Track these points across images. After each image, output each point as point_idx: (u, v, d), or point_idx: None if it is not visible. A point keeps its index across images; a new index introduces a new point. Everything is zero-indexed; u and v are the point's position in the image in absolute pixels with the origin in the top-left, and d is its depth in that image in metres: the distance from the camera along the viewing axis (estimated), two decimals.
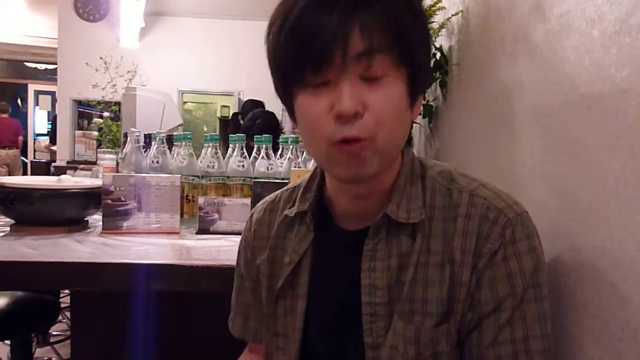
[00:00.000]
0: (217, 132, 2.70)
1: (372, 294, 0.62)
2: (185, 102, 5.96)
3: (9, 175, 7.01)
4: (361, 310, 0.63)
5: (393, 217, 0.62)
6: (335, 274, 0.68)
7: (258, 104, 3.06)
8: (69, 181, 1.33)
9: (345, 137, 0.56)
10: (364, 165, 0.58)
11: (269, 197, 0.79)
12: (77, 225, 1.29)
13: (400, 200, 0.63)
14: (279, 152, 1.53)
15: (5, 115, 7.54)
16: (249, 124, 2.70)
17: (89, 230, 1.30)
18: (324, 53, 0.54)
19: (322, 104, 0.57)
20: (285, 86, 0.61)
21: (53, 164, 5.08)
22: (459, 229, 0.61)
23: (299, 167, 1.48)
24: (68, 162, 4.75)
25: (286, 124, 3.25)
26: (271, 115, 2.90)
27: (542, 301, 0.59)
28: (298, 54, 0.56)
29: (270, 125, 2.74)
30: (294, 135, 1.63)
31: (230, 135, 1.53)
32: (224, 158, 1.49)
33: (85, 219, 1.36)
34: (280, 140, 1.58)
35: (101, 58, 3.88)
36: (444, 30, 1.32)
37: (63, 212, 1.26)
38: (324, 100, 0.57)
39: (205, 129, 6.66)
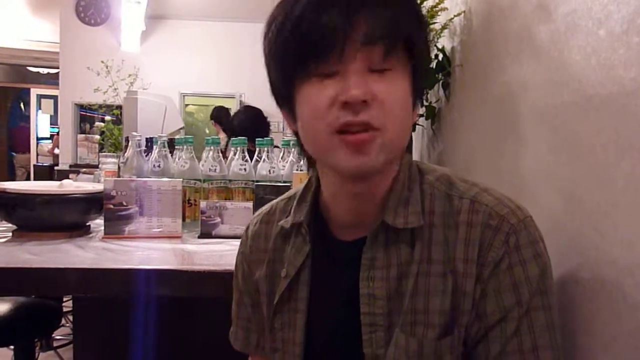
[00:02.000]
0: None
1: (371, 304, 0.61)
2: (187, 105, 5.96)
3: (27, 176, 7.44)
4: (360, 320, 0.61)
5: (390, 223, 0.61)
6: (334, 287, 0.66)
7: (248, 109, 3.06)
8: (71, 186, 1.32)
9: (350, 122, 0.54)
10: (368, 158, 0.56)
11: (264, 208, 0.77)
12: (79, 230, 1.29)
13: (397, 206, 0.62)
14: (264, 153, 1.48)
15: (24, 124, 8.30)
16: (228, 120, 2.73)
17: (90, 235, 1.30)
18: (331, 42, 0.53)
19: (328, 93, 0.55)
20: (287, 80, 0.59)
21: (55, 167, 5.08)
22: (460, 238, 0.59)
23: (301, 170, 1.47)
24: (71, 166, 4.76)
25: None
26: (254, 110, 2.90)
27: (550, 310, 0.57)
28: (304, 44, 0.54)
29: (253, 120, 2.75)
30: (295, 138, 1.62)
31: (232, 138, 1.53)
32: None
33: (87, 224, 1.35)
34: (282, 143, 1.58)
35: (102, 62, 3.88)
36: (446, 31, 1.31)
37: (65, 217, 1.26)
38: (330, 90, 0.55)
39: (207, 131, 6.66)
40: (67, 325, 2.70)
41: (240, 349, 0.78)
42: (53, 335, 2.53)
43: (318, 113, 0.56)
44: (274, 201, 0.76)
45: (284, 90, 0.60)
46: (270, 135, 2.71)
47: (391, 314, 0.60)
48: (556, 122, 0.73)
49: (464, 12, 1.20)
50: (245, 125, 2.70)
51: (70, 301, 2.17)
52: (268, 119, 2.89)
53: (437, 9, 1.29)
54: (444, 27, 1.30)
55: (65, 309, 2.38)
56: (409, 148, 1.49)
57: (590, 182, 0.63)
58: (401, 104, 0.57)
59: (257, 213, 0.78)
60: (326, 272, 0.67)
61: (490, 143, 1.02)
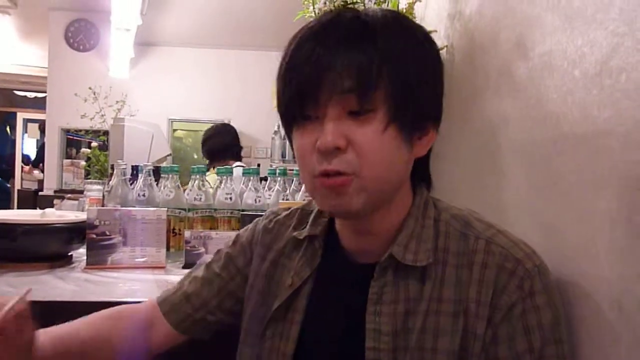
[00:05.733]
0: (207, 162, 2.70)
1: (376, 339, 0.59)
2: (175, 130, 5.97)
3: None
4: (363, 353, 0.60)
5: (399, 258, 0.61)
6: (337, 306, 0.65)
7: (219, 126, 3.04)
8: (53, 215, 1.30)
9: (325, 171, 0.57)
10: (345, 199, 0.58)
11: (283, 211, 0.77)
12: (61, 260, 1.27)
13: (409, 242, 0.62)
14: (250, 182, 1.48)
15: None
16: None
17: (72, 265, 1.27)
18: (308, 91, 0.56)
19: (309, 139, 0.58)
20: (284, 121, 0.63)
21: (40, 193, 5.01)
22: (474, 278, 0.58)
23: (287, 199, 1.47)
24: (55, 192, 4.69)
25: (275, 151, 3.26)
26: (226, 128, 2.86)
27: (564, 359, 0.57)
28: (288, 91, 0.58)
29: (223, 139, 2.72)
30: (282, 167, 1.63)
31: (218, 167, 1.53)
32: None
33: (69, 254, 1.33)
34: (268, 172, 1.58)
35: (90, 88, 3.87)
36: None
37: (46, 247, 1.24)
38: (311, 135, 0.58)
39: (195, 156, 6.65)
40: None
41: (158, 300, 0.76)
42: None
43: (303, 158, 0.60)
44: (294, 208, 0.77)
45: (286, 132, 0.64)
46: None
47: (396, 350, 0.59)
48: (535, 158, 0.74)
49: (447, 46, 1.23)
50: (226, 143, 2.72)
51: None
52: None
53: None
54: None
55: None
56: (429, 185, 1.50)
57: (570, 218, 0.64)
58: (381, 145, 0.57)
59: (274, 211, 0.78)
60: (330, 289, 0.67)
61: (473, 175, 1.03)
